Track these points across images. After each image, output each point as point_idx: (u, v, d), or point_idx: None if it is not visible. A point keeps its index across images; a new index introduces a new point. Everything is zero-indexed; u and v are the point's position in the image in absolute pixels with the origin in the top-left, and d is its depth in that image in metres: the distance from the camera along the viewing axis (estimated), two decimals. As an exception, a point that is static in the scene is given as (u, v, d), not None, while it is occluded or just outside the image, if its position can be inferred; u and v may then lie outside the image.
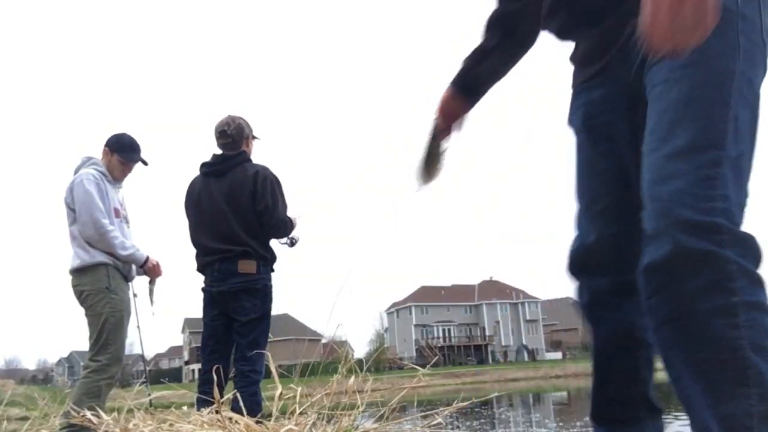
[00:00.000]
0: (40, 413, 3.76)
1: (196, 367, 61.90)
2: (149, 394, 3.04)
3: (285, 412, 2.50)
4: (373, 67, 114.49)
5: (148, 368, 4.53)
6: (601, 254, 1.40)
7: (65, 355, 76.00)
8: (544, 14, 1.47)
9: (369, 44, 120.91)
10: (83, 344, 3.34)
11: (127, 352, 3.68)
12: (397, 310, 68.02)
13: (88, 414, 2.46)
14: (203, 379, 2.92)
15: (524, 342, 65.58)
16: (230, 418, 2.17)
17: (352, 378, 2.49)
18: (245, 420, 2.18)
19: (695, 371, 1.04)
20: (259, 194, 3.04)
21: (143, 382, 3.80)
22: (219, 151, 3.25)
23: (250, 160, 3.21)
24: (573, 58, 1.50)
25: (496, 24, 1.62)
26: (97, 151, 3.60)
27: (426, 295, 67.10)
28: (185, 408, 2.50)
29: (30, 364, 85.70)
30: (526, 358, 61.42)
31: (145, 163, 3.66)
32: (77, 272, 3.34)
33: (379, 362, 38.84)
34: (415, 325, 64.79)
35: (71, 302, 3.36)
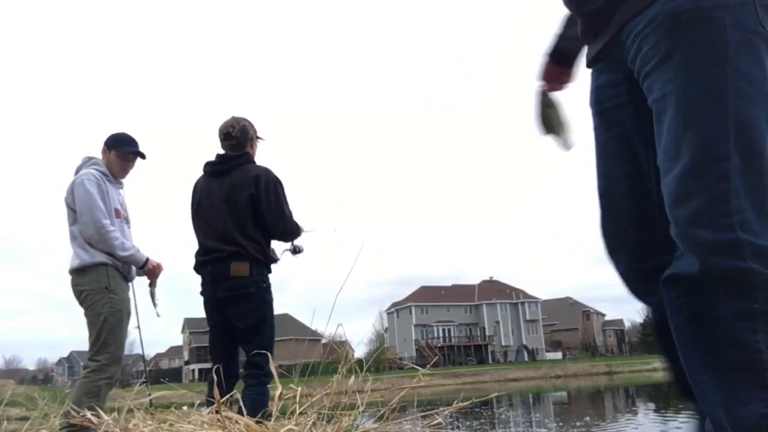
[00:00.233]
0: (40, 413, 3.76)
1: (197, 367, 61.97)
2: (149, 394, 3.04)
3: (285, 412, 2.50)
4: (371, 67, 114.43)
5: (148, 368, 4.53)
6: (622, 238, 1.41)
7: (65, 355, 76.01)
8: None
9: (366, 44, 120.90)
10: (83, 344, 3.34)
11: (127, 352, 3.68)
12: (397, 310, 67.98)
13: (88, 414, 2.46)
14: (211, 380, 2.90)
15: (524, 342, 65.54)
16: (230, 418, 2.17)
17: (352, 378, 2.49)
18: (245, 420, 2.18)
19: (713, 370, 1.08)
20: (263, 199, 2.99)
21: (143, 382, 3.80)
22: (223, 152, 3.23)
23: (252, 162, 3.19)
24: (579, 34, 1.50)
25: None
26: (99, 153, 3.60)
27: (426, 295, 67.07)
28: (185, 408, 2.50)
29: (30, 364, 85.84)
30: (526, 358, 61.35)
31: (143, 156, 3.64)
32: (77, 272, 3.34)
33: (379, 362, 38.83)
34: (415, 325, 64.76)
35: (71, 302, 3.36)
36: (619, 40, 1.29)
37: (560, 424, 10.18)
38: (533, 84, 1.71)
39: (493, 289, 68.67)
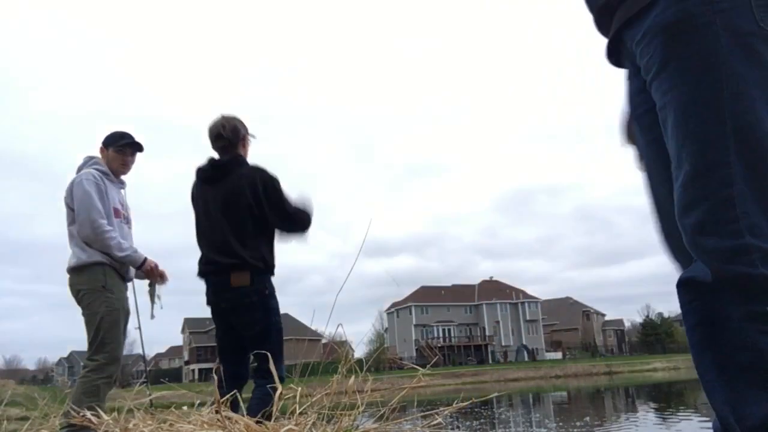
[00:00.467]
0: (40, 413, 3.77)
1: (196, 367, 61.98)
2: (149, 394, 3.04)
3: (285, 412, 2.50)
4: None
5: (148, 368, 4.53)
6: (674, 239, 1.41)
7: (65, 355, 76.02)
8: None
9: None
10: (83, 344, 3.33)
11: (127, 352, 3.68)
12: (397, 310, 67.95)
13: (88, 414, 2.46)
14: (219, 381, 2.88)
15: (524, 342, 65.52)
16: (230, 418, 2.17)
17: (352, 378, 2.49)
18: (245, 420, 2.18)
19: (722, 371, 1.09)
20: (264, 203, 2.95)
21: (143, 382, 3.80)
22: (214, 154, 3.19)
23: (244, 164, 3.13)
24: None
25: None
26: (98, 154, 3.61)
27: (426, 295, 67.04)
28: (185, 408, 2.50)
29: (30, 364, 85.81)
30: (526, 358, 61.35)
31: (140, 148, 3.63)
32: (74, 271, 3.33)
33: (379, 362, 38.82)
34: (415, 325, 64.73)
35: (72, 302, 3.36)
36: (625, 47, 1.30)
37: (560, 424, 10.17)
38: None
39: (493, 289, 68.65)
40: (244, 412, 2.37)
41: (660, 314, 75.14)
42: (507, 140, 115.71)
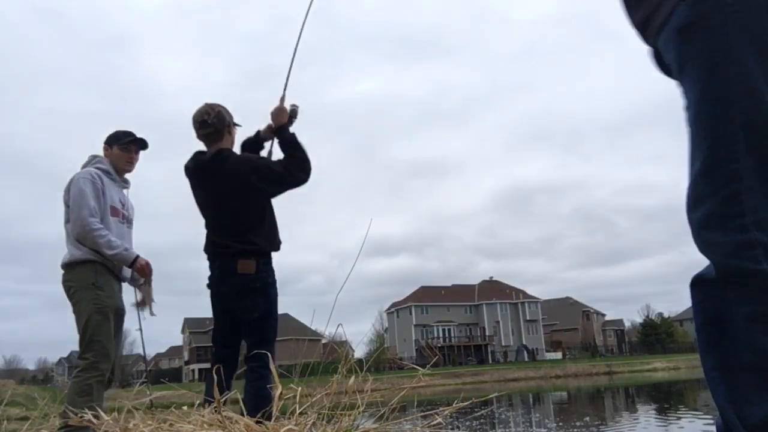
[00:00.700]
0: (40, 413, 3.77)
1: (196, 367, 61.99)
2: (150, 394, 3.03)
3: (285, 412, 2.50)
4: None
5: (148, 368, 4.53)
6: None
7: (65, 355, 75.98)
8: None
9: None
10: (83, 344, 3.33)
11: (127, 352, 3.68)
12: (397, 310, 67.96)
13: (88, 414, 2.46)
14: (209, 379, 2.89)
15: (524, 342, 65.54)
16: (230, 418, 2.17)
17: (352, 378, 2.49)
18: (245, 420, 2.18)
19: (725, 370, 1.11)
20: (263, 183, 2.96)
21: (143, 382, 3.80)
22: (199, 143, 3.14)
23: (230, 154, 3.09)
24: None
25: None
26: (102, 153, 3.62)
27: (426, 295, 67.06)
28: (185, 408, 2.50)
29: (30, 364, 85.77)
30: (526, 358, 61.36)
31: (145, 145, 3.64)
32: (66, 267, 3.34)
33: (379, 362, 38.85)
34: (415, 325, 64.74)
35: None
36: (661, 54, 1.32)
37: (560, 424, 10.18)
38: None
39: (493, 289, 68.67)
40: (245, 412, 2.37)
41: (660, 314, 75.20)
42: (507, 140, 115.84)
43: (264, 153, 3.28)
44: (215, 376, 2.48)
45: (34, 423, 3.60)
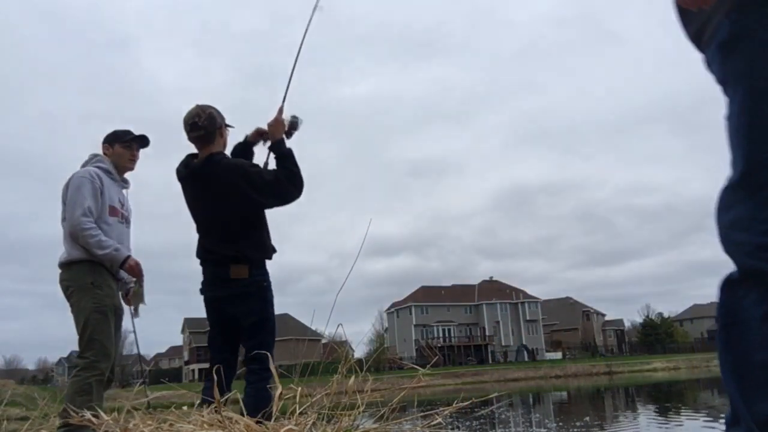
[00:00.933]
0: (40, 413, 3.76)
1: (196, 367, 61.90)
2: (148, 395, 3.03)
3: (285, 412, 2.50)
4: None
5: (148, 368, 4.53)
6: None
7: (65, 355, 75.97)
8: None
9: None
10: (83, 344, 3.33)
11: (127, 352, 3.68)
12: (397, 310, 67.95)
13: (88, 414, 2.46)
14: (209, 379, 2.88)
15: (524, 342, 65.53)
16: (230, 418, 2.16)
17: (352, 378, 2.49)
18: (245, 420, 2.18)
19: (739, 367, 1.15)
20: (253, 190, 2.91)
21: (143, 382, 3.80)
22: (190, 146, 3.09)
23: (221, 159, 3.02)
24: None
25: None
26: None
27: (426, 295, 67.05)
28: (185, 408, 2.49)
29: (30, 364, 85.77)
30: (526, 358, 61.36)
31: (146, 142, 3.63)
32: (64, 267, 3.33)
33: (379, 362, 38.84)
34: (415, 325, 64.74)
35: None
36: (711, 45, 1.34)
37: (560, 424, 10.18)
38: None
39: (493, 289, 68.66)
40: (245, 412, 2.37)
41: (660, 314, 75.23)
42: (507, 140, 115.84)
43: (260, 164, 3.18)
44: (215, 376, 2.48)
45: (34, 423, 3.60)
